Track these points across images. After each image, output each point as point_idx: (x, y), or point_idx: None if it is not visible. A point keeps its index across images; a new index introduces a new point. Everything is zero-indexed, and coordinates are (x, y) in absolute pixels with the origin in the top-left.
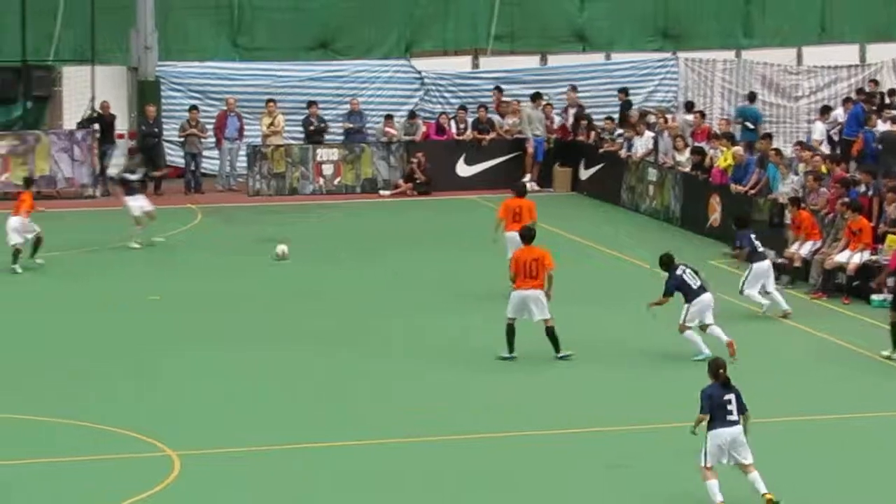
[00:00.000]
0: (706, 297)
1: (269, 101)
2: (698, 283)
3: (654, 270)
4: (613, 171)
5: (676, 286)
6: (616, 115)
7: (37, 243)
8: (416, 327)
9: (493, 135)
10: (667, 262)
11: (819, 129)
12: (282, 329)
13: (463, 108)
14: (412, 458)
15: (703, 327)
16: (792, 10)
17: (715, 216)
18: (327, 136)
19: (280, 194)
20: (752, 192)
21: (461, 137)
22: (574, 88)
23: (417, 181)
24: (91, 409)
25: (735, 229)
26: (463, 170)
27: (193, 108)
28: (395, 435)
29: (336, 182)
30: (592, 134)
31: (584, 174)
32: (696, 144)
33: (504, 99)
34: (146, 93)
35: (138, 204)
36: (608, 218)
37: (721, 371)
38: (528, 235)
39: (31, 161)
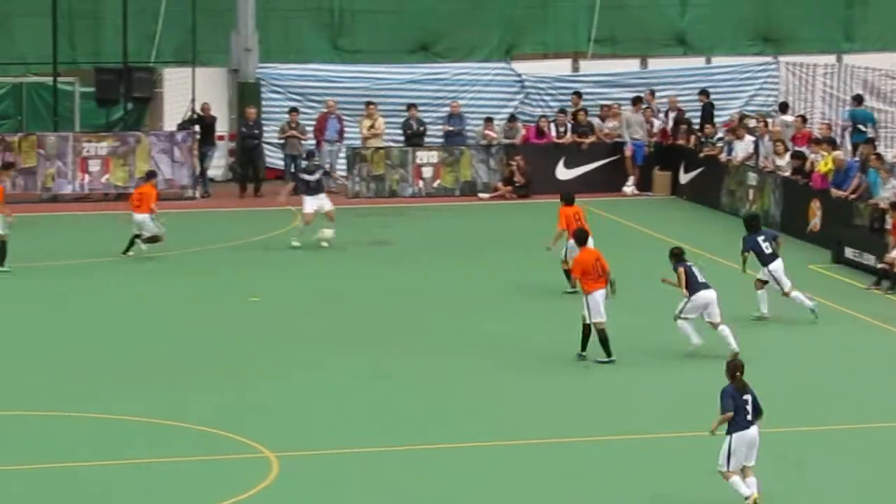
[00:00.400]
0: (709, 293)
1: (369, 103)
2: (702, 279)
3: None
4: (713, 175)
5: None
6: (717, 120)
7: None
8: (518, 329)
9: (592, 138)
10: (678, 255)
11: None
12: (382, 329)
13: (562, 111)
14: (511, 461)
15: (712, 325)
16: (894, 15)
17: (815, 221)
18: (427, 139)
19: (379, 196)
20: (853, 196)
21: (561, 141)
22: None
23: (516, 184)
24: (191, 410)
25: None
26: (562, 173)
27: (293, 110)
28: (493, 437)
29: (435, 185)
30: (692, 138)
31: (684, 178)
32: (797, 149)
33: (605, 103)
34: (247, 95)
35: (318, 203)
36: (705, 222)
37: (738, 374)
38: (584, 237)
39: (132, 162)
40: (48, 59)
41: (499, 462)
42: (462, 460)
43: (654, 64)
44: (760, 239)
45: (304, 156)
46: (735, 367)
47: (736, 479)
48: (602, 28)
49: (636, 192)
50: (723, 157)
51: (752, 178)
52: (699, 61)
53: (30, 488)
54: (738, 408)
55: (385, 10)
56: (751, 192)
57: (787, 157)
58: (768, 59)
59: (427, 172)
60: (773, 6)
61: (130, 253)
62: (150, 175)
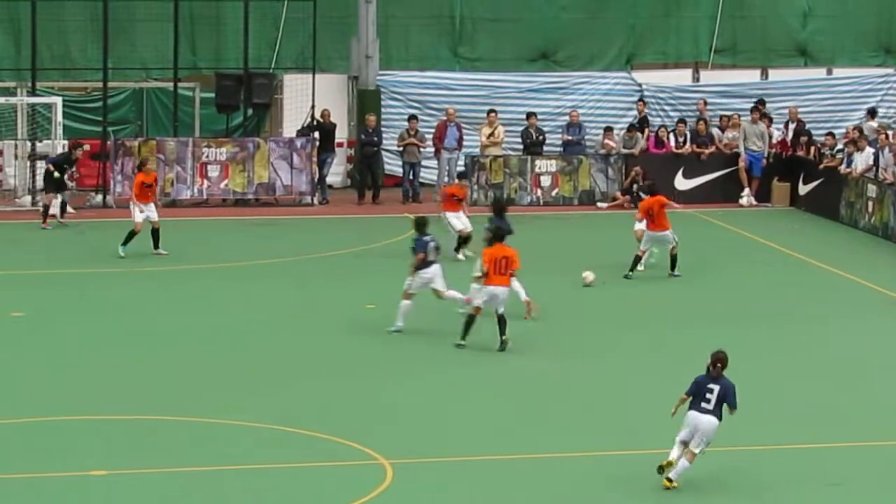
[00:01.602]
0: (434, 268)
1: (489, 111)
2: (433, 257)
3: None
4: (832, 187)
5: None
6: (836, 131)
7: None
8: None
9: (712, 148)
10: (420, 225)
11: None
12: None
13: (682, 121)
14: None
15: (436, 294)
16: None
17: None
18: (545, 148)
19: None
20: None
21: (680, 151)
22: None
23: (636, 194)
24: (303, 416)
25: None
26: (681, 183)
27: (413, 117)
28: (604, 447)
29: (553, 193)
30: (812, 149)
31: (803, 189)
32: None
33: (724, 113)
34: (366, 102)
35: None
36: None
37: (717, 365)
38: (499, 236)
39: (251, 168)
40: (169, 65)
41: (622, 470)
42: (578, 468)
43: (775, 75)
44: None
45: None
46: (714, 359)
47: (675, 448)
48: (723, 38)
49: (754, 202)
50: (842, 168)
51: (872, 189)
52: (820, 72)
53: (146, 491)
54: (698, 392)
55: (506, 19)
56: (870, 203)
57: None
58: (890, 70)
59: (546, 181)
60: None
61: None
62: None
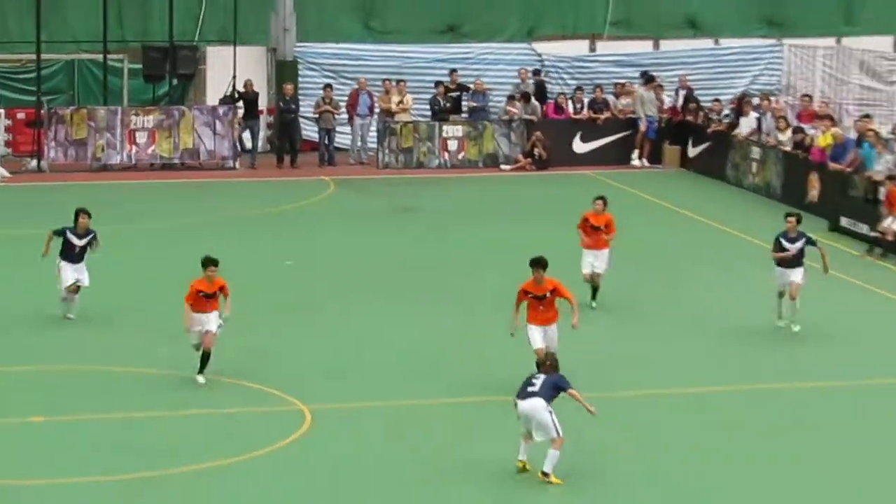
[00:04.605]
0: None
1: (399, 80)
2: None
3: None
4: (719, 150)
5: None
6: (722, 98)
7: None
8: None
9: (607, 114)
10: None
11: None
12: (408, 288)
13: (580, 88)
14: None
15: None
16: (890, 0)
17: (813, 193)
18: (452, 115)
19: (407, 167)
20: (849, 169)
21: (578, 116)
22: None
23: (536, 157)
24: (228, 365)
25: None
26: (579, 147)
27: (328, 86)
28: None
29: (460, 157)
30: (700, 114)
31: (692, 152)
32: (798, 125)
33: (619, 81)
34: (284, 72)
35: None
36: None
37: (547, 363)
38: None
39: (176, 134)
40: (99, 38)
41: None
42: (475, 410)
43: (666, 45)
44: None
45: None
46: (543, 360)
47: (522, 442)
48: (617, 11)
49: (646, 164)
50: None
51: (756, 152)
52: (708, 43)
53: (79, 436)
54: (524, 385)
55: None
56: (754, 165)
57: (789, 132)
58: (773, 41)
59: (453, 145)
60: None
61: None
62: None
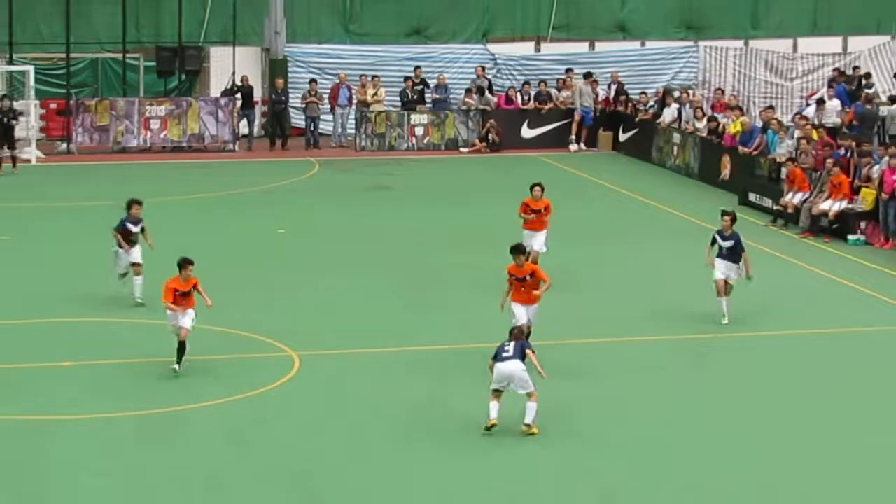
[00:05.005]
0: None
1: (373, 76)
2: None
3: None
4: (646, 135)
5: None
6: (648, 91)
7: None
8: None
9: (550, 105)
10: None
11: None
12: (384, 258)
13: (527, 83)
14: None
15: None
16: (790, 7)
17: (725, 172)
18: (418, 105)
19: (381, 150)
20: (756, 152)
21: (525, 107)
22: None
23: (490, 141)
24: (225, 316)
25: None
26: (527, 132)
27: (313, 80)
28: (472, 341)
29: (425, 141)
30: (629, 105)
31: (623, 137)
32: (712, 114)
33: (561, 77)
34: (276, 69)
35: None
36: (640, 173)
37: (516, 332)
38: None
39: (185, 122)
40: (118, 40)
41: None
42: (447, 360)
43: (600, 47)
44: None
45: None
46: (518, 331)
47: (493, 404)
48: (559, 17)
49: (583, 148)
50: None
51: (677, 137)
52: (636, 44)
53: (102, 378)
54: (498, 352)
55: (388, 1)
56: (675, 148)
57: (705, 120)
58: (690, 43)
59: (419, 131)
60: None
61: None
62: None
